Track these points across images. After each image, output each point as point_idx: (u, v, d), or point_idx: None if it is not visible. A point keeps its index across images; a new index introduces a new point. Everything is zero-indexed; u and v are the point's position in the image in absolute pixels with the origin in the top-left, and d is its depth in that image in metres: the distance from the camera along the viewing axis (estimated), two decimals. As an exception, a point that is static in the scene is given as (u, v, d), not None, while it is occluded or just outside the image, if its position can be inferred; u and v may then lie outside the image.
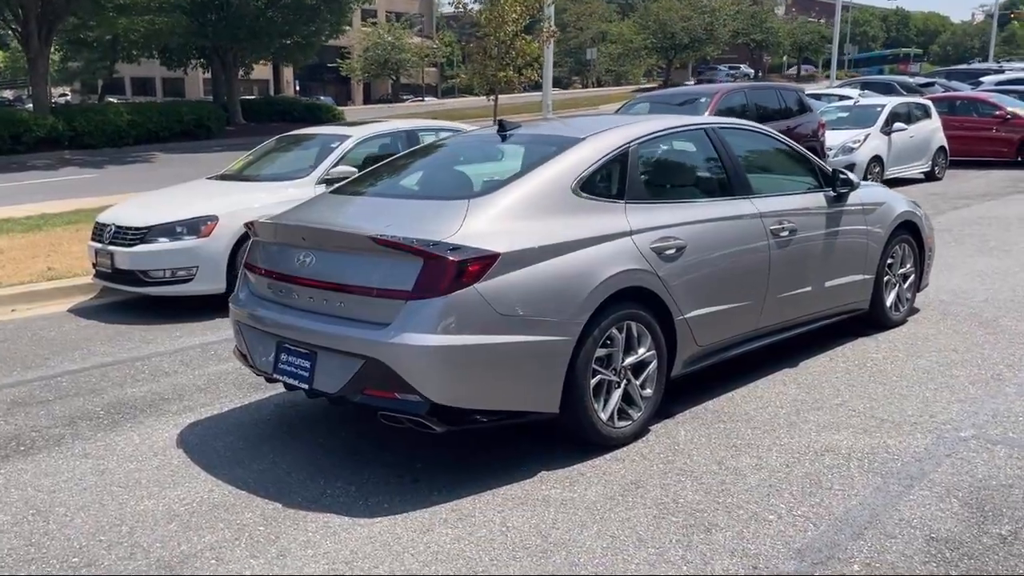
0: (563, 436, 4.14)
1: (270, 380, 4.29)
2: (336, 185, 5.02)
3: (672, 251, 4.35)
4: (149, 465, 4.21)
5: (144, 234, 7.12)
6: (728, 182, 4.93)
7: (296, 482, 3.96)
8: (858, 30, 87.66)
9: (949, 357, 5.42)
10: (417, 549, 3.31)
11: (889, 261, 6.01)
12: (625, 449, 4.16)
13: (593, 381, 4.02)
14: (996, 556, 3.14)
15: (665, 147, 4.87)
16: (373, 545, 3.35)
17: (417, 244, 3.62)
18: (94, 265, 7.54)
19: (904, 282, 6.24)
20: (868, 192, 5.92)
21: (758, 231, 4.89)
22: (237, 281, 4.68)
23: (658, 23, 54.85)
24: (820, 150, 13.01)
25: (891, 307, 6.09)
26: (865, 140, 14.02)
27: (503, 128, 4.81)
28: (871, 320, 5.99)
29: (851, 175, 5.65)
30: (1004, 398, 4.70)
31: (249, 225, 4.53)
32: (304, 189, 7.59)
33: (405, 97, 61.03)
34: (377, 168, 5.15)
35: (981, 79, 23.27)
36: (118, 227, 7.31)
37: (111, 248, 7.22)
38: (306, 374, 3.89)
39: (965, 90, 20.36)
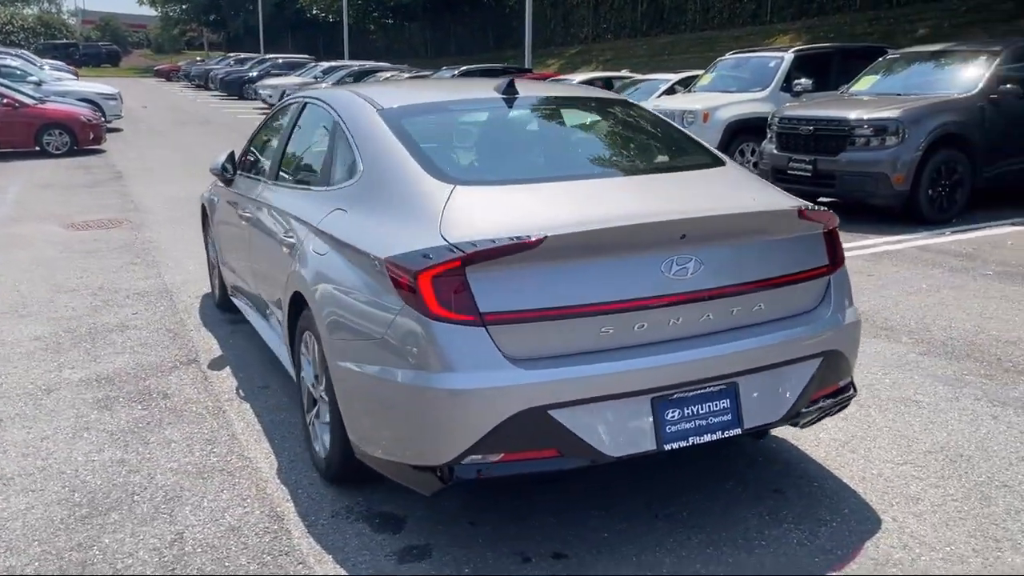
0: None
1: (624, 460, 2.77)
2: (462, 179, 3.11)
3: None
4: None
5: None
6: None
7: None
8: None
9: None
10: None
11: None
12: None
13: None
14: None
15: None
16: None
17: (820, 210, 3.11)
18: None
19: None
20: None
21: None
22: (458, 354, 2.65)
23: None
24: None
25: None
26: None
27: (513, 91, 3.83)
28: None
29: None
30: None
31: (530, 243, 2.62)
32: None
33: None
34: (458, 151, 3.67)
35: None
36: None
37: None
38: (729, 416, 2.91)
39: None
